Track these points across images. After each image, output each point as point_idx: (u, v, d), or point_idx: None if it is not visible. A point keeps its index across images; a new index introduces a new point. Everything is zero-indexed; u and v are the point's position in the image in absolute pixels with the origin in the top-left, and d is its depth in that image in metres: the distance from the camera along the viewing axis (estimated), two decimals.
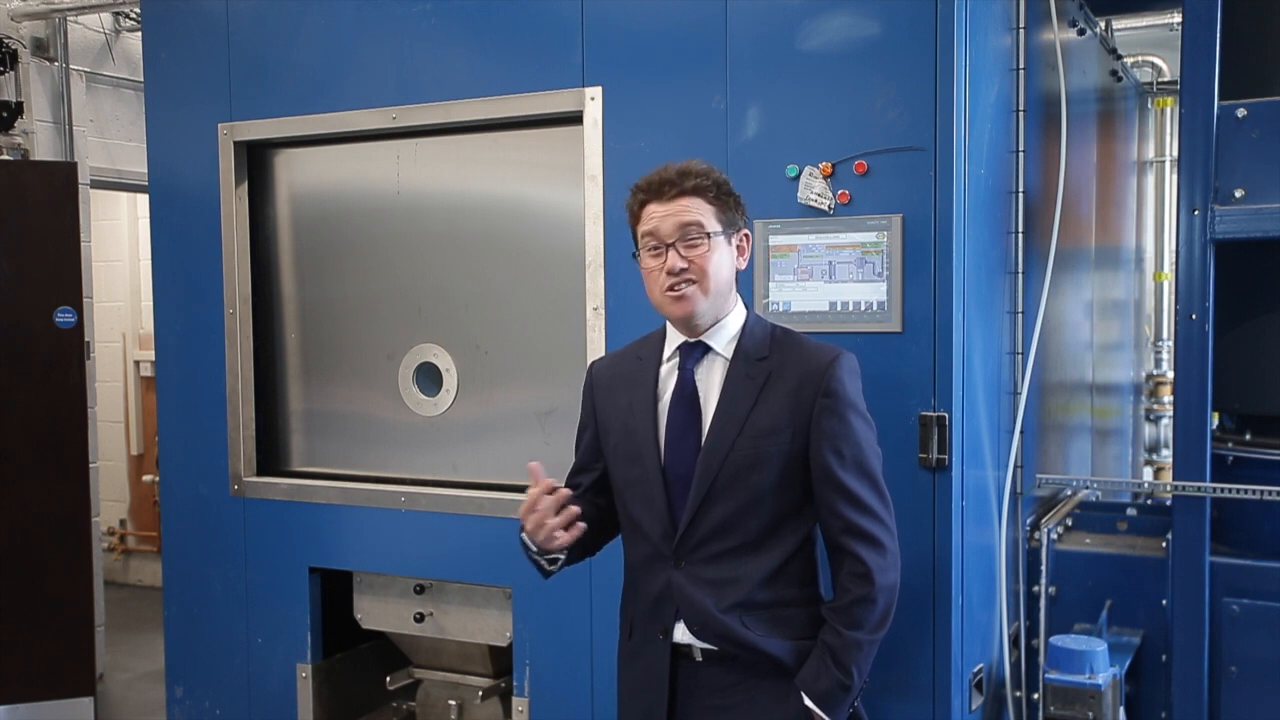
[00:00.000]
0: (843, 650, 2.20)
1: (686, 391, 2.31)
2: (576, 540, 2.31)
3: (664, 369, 2.36)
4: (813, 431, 2.24)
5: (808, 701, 2.22)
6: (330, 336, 3.60)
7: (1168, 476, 4.38)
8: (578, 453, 2.55)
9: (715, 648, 2.28)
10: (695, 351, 2.33)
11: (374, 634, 3.64)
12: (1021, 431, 3.09)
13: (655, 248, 2.26)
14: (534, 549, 2.33)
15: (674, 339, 2.36)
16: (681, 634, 2.30)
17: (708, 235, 2.24)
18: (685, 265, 2.23)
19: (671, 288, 2.24)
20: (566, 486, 2.53)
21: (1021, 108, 3.07)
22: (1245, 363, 3.21)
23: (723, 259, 2.27)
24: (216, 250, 3.60)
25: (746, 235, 2.36)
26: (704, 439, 2.27)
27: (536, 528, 2.26)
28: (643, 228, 2.28)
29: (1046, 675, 2.97)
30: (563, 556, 2.39)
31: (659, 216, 2.25)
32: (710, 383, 2.31)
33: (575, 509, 2.27)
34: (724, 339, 2.32)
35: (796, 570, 2.30)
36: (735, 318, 2.34)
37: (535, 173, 3.25)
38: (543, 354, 3.26)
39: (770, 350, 2.30)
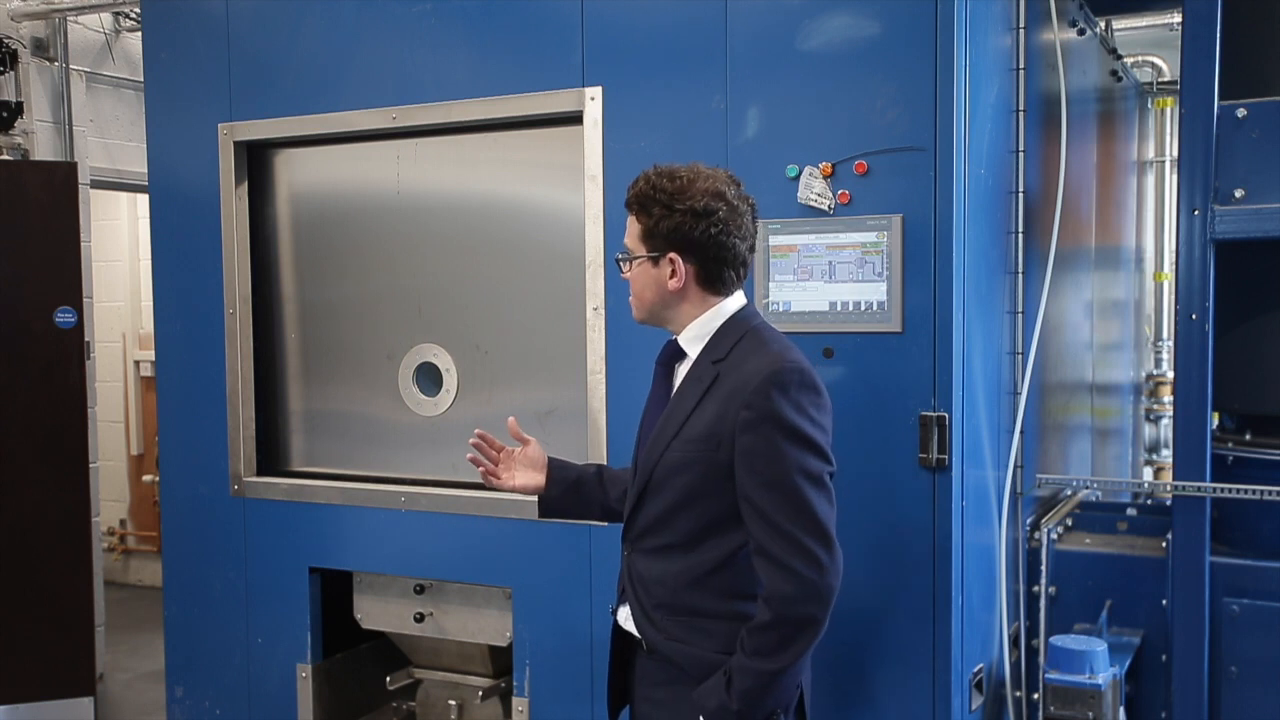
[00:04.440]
0: (737, 673, 2.12)
1: (657, 387, 2.36)
2: (550, 494, 2.54)
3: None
4: (736, 444, 2.15)
5: (701, 718, 2.18)
6: (330, 336, 3.60)
7: (1168, 476, 4.38)
8: None
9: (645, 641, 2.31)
10: (676, 349, 2.34)
11: (374, 634, 3.64)
12: (1021, 431, 3.09)
13: None
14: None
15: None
16: (624, 616, 2.36)
17: (619, 259, 2.31)
18: (627, 277, 2.32)
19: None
20: None
21: (1021, 108, 3.07)
22: (1245, 363, 3.21)
23: (643, 282, 2.28)
24: (216, 250, 3.60)
25: (672, 258, 2.22)
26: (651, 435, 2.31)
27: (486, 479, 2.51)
28: None
29: (1046, 675, 2.97)
30: (542, 502, 2.57)
31: None
32: (679, 380, 2.33)
33: (480, 460, 2.51)
34: (691, 337, 2.30)
35: (727, 581, 2.21)
36: (713, 317, 2.28)
37: (535, 173, 3.25)
38: (543, 354, 3.26)
39: (728, 352, 2.23)
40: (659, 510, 2.26)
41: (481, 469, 2.53)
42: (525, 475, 2.53)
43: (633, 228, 2.28)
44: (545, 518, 2.63)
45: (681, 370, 2.32)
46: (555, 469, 2.55)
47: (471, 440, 2.52)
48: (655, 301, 2.28)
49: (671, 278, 2.24)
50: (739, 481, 2.15)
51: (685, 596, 2.23)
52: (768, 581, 2.11)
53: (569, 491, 2.55)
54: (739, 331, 2.26)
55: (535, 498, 2.57)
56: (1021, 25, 3.06)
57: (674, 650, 2.23)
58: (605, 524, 2.75)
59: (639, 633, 2.30)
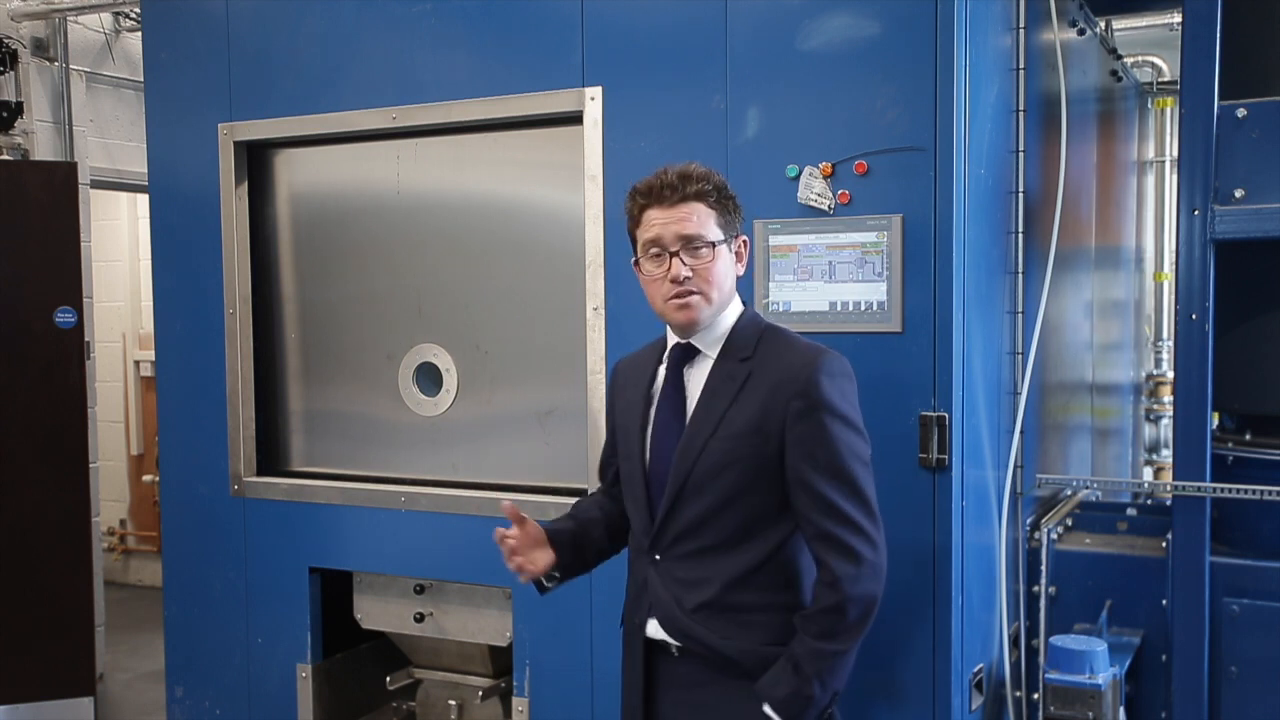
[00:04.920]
0: (806, 659, 2.16)
1: (672, 391, 2.32)
2: (563, 562, 2.42)
3: (661, 369, 2.37)
4: (787, 435, 2.20)
5: (766, 708, 2.19)
6: (330, 336, 3.60)
7: (1168, 476, 4.37)
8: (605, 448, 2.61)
9: (683, 645, 2.29)
10: (687, 352, 2.33)
11: (374, 634, 3.64)
12: (1021, 431, 3.09)
13: (658, 254, 2.24)
14: None
15: (671, 339, 2.37)
16: (654, 629, 2.32)
17: (710, 245, 2.22)
18: (689, 274, 2.21)
19: (676, 295, 2.23)
20: (600, 480, 2.61)
21: (1021, 108, 3.07)
22: (1245, 363, 3.21)
23: (725, 267, 2.26)
24: (216, 250, 3.60)
25: (745, 241, 2.34)
26: (680, 437, 2.28)
27: (507, 561, 2.36)
28: (644, 234, 2.25)
29: (1046, 675, 2.97)
30: (558, 575, 2.46)
31: (661, 223, 2.22)
32: (697, 382, 2.31)
33: (524, 561, 2.35)
34: (710, 339, 2.30)
35: (771, 574, 2.26)
36: (727, 317, 2.31)
37: (535, 173, 3.25)
38: (543, 354, 3.26)
39: (754, 350, 2.27)
40: (698, 512, 2.25)
41: (523, 575, 2.40)
42: (540, 555, 2.40)
43: (704, 215, 2.22)
44: (550, 589, 2.50)
45: (694, 372, 2.32)
46: (552, 535, 2.43)
47: (508, 546, 2.37)
48: (730, 288, 2.29)
49: (739, 262, 2.31)
50: (794, 469, 2.19)
51: (730, 594, 2.24)
52: (832, 564, 2.16)
53: (572, 549, 2.46)
54: (755, 329, 2.31)
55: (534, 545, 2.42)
56: (1021, 25, 3.06)
57: (725, 647, 2.23)
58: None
59: (675, 638, 2.28)
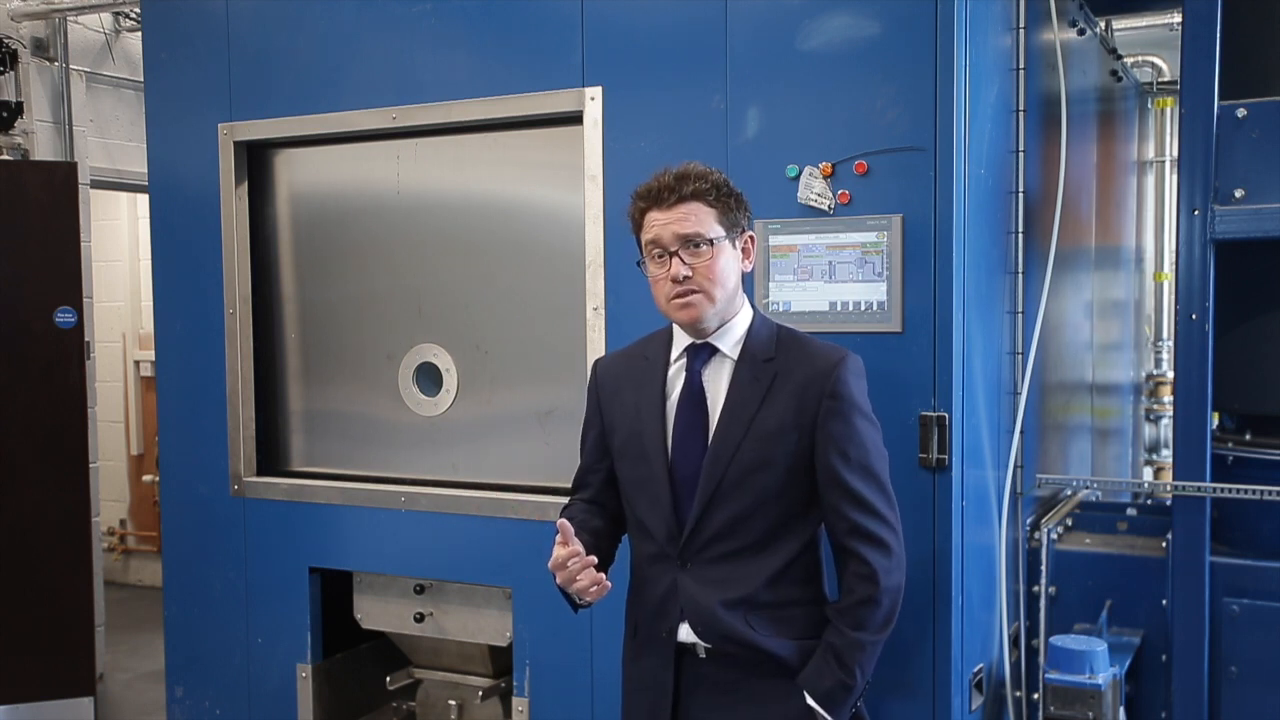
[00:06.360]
0: (846, 650, 2.22)
1: (694, 393, 2.32)
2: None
3: (671, 370, 2.36)
4: (818, 434, 2.24)
5: (810, 701, 2.23)
6: (330, 336, 3.60)
7: (1168, 476, 4.37)
8: (584, 452, 2.54)
9: (716, 646, 2.29)
10: (702, 353, 2.33)
11: (374, 634, 3.64)
12: (1021, 431, 3.09)
13: (659, 255, 2.26)
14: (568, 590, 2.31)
15: (681, 340, 2.36)
16: (685, 634, 2.31)
17: (710, 242, 2.23)
18: (689, 273, 2.23)
19: (678, 295, 2.24)
20: (577, 486, 2.55)
21: (1021, 108, 3.07)
22: (1245, 363, 3.21)
23: (728, 264, 2.27)
24: (216, 250, 3.60)
25: (751, 237, 2.35)
26: (710, 440, 2.28)
27: (568, 583, 2.25)
28: (646, 236, 2.28)
29: (1046, 675, 2.97)
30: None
31: (660, 224, 2.24)
32: (717, 384, 2.31)
33: (601, 575, 2.23)
34: (730, 340, 2.32)
35: (801, 570, 2.31)
36: (742, 319, 2.34)
37: (535, 173, 3.25)
38: (543, 354, 3.26)
39: (776, 351, 2.30)
40: (731, 515, 2.26)
41: (595, 587, 2.24)
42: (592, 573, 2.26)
43: (703, 214, 2.23)
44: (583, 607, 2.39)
45: (712, 372, 2.32)
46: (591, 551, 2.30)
47: (581, 564, 2.23)
48: (735, 285, 2.30)
49: (745, 259, 2.32)
50: (828, 466, 2.24)
51: (766, 593, 2.27)
52: (868, 557, 2.22)
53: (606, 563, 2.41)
54: (770, 331, 2.34)
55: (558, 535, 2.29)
56: (1021, 25, 3.06)
57: (768, 644, 2.25)
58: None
59: (709, 640, 2.28)
